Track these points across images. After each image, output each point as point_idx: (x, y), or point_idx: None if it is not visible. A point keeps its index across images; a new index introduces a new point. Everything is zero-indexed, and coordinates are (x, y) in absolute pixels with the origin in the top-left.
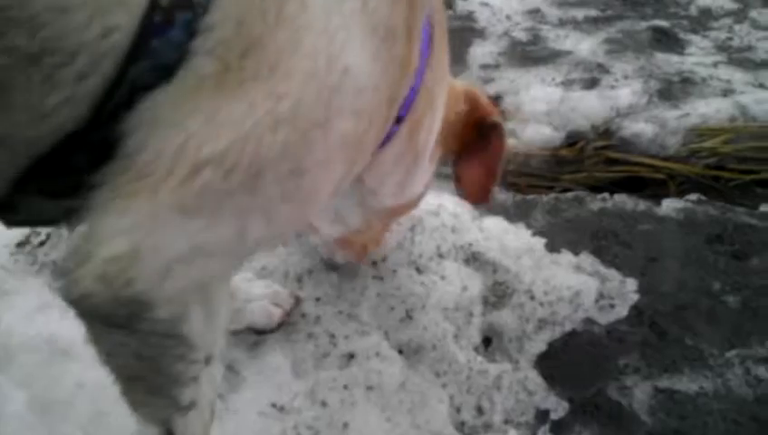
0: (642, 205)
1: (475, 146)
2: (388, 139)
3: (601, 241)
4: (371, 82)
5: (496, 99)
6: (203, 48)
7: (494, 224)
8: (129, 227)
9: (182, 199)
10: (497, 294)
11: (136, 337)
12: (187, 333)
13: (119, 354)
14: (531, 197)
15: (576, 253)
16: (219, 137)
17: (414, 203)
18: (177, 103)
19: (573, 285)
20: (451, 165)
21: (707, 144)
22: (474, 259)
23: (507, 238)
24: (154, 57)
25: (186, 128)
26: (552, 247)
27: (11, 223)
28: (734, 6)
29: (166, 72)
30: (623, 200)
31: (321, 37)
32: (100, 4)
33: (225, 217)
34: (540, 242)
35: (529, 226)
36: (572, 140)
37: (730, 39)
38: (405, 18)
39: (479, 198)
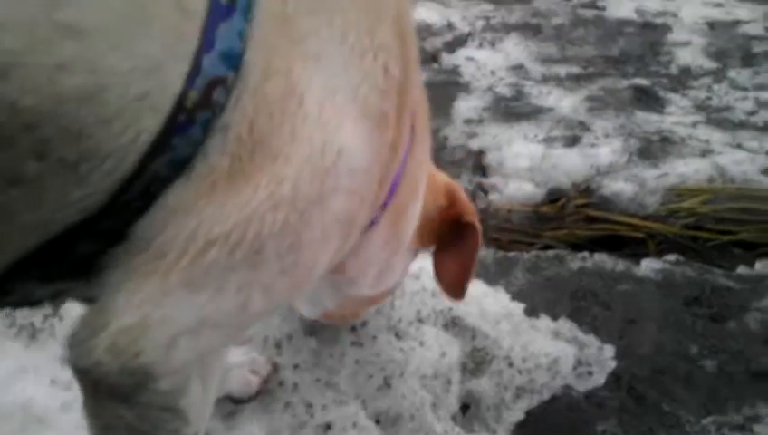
0: (621, 265)
1: (451, 241)
2: (371, 225)
3: (580, 301)
4: (364, 163)
5: (479, 153)
6: (218, 145)
7: (474, 287)
8: (140, 301)
9: (190, 276)
10: (476, 361)
11: (135, 410)
12: (184, 406)
13: (114, 428)
14: (512, 254)
15: (555, 316)
16: (227, 219)
17: (389, 292)
18: (193, 194)
19: (551, 352)
20: (431, 258)
21: (686, 204)
22: (453, 324)
23: (486, 302)
24: (173, 152)
25: (199, 215)
26: (531, 311)
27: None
28: (713, 66)
29: (181, 166)
30: (603, 260)
31: (315, 126)
32: (135, 112)
33: (229, 290)
34: (519, 307)
35: (509, 284)
36: (553, 196)
37: (709, 99)
38: (395, 105)
39: (454, 294)
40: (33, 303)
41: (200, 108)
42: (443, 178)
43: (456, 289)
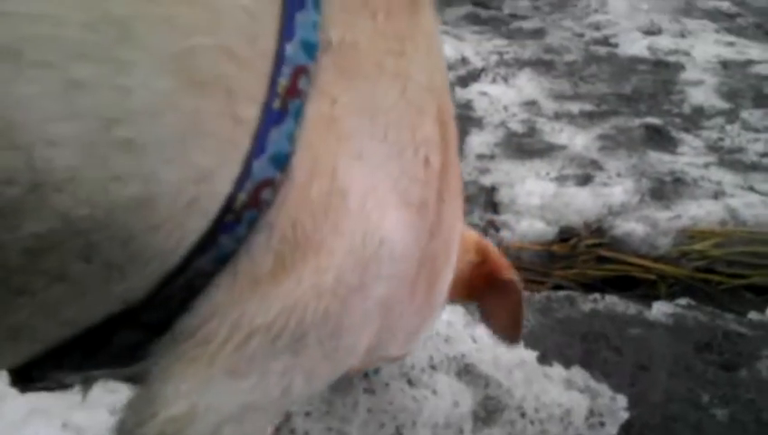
0: (633, 308)
1: (491, 294)
2: None
3: (591, 345)
4: (405, 249)
5: (492, 190)
6: (262, 242)
7: (487, 333)
8: (188, 390)
9: (235, 364)
10: (488, 410)
11: None
12: None
13: None
14: (524, 294)
15: (567, 362)
16: (269, 309)
17: (413, 350)
18: (237, 288)
19: (564, 402)
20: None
21: (698, 247)
22: (466, 372)
23: (499, 349)
24: (218, 250)
25: (242, 306)
26: (544, 357)
27: (27, 390)
28: (726, 106)
29: (225, 261)
30: (614, 302)
31: (357, 219)
32: (184, 217)
33: (272, 376)
34: (532, 355)
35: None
36: (565, 235)
37: (721, 139)
38: (435, 191)
39: (508, 341)
40: (63, 387)
41: (247, 208)
42: (472, 234)
43: (508, 336)
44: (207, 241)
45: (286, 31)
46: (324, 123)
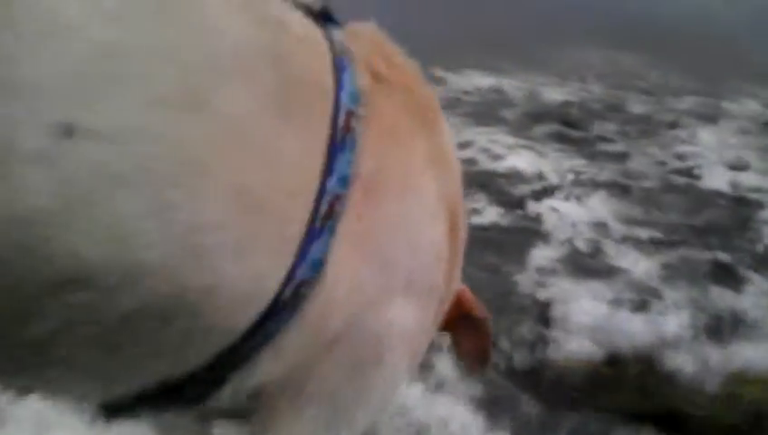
0: None
1: (465, 327)
2: None
3: None
4: (416, 324)
5: (546, 304)
6: (295, 326)
7: None
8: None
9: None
10: None
11: None
12: None
13: None
14: (560, 413)
15: None
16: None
17: None
18: (280, 358)
19: None
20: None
21: (748, 390)
22: None
23: None
24: (265, 331)
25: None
26: None
27: (114, 419)
28: None
29: (270, 338)
30: None
31: (371, 312)
32: (240, 304)
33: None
34: None
35: None
36: (612, 360)
37: None
38: (445, 272)
39: (477, 368)
40: (139, 417)
41: (291, 302)
42: None
43: (475, 365)
44: (259, 324)
45: (328, 170)
46: (351, 236)
